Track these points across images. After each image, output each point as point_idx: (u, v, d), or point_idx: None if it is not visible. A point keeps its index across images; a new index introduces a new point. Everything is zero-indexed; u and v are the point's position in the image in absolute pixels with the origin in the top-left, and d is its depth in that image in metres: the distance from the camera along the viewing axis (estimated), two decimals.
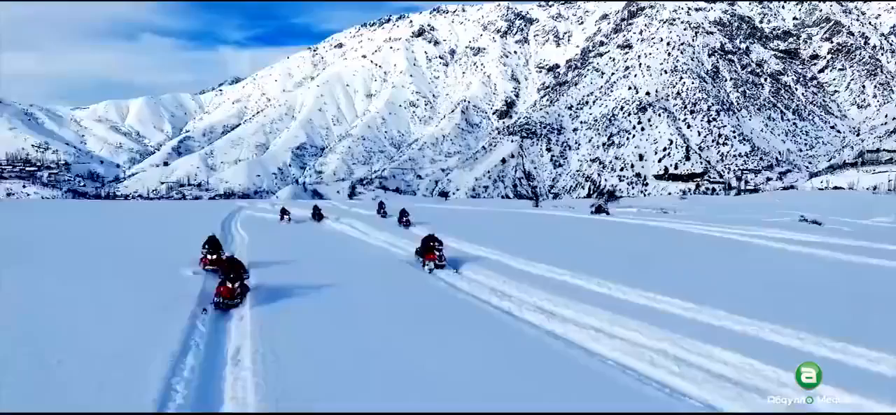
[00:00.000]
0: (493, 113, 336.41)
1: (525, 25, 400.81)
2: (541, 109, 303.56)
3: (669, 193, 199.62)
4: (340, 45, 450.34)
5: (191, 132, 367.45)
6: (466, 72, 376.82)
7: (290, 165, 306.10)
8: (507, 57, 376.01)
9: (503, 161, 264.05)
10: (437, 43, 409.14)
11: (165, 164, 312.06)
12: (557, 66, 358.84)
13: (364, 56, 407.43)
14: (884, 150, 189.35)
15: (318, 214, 32.81)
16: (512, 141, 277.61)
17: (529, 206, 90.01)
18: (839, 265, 17.45)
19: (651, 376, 7.16)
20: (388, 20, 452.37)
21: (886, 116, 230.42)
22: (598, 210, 41.99)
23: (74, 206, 68.07)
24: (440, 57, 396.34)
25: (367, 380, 6.76)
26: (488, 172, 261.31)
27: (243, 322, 9.60)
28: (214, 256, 14.53)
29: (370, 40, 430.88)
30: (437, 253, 15.18)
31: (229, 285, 10.81)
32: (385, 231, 24.98)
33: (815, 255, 19.21)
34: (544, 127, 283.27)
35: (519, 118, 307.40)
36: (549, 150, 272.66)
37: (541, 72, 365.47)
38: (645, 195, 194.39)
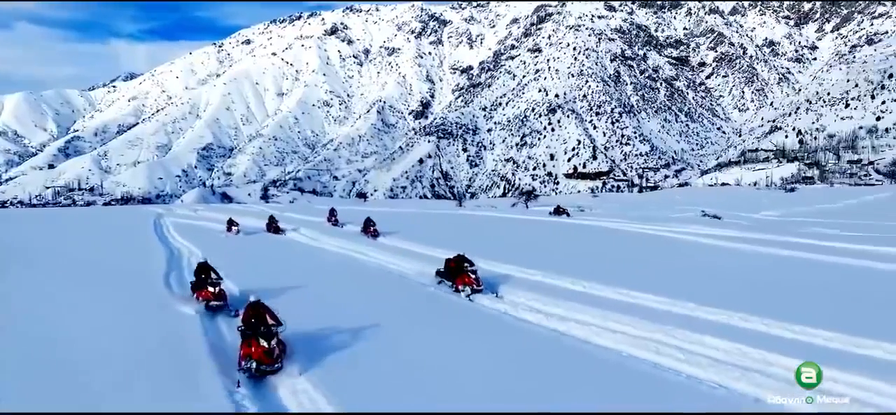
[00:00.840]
0: (409, 113, 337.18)
1: (439, 27, 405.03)
2: (456, 110, 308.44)
3: (579, 191, 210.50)
4: (248, 42, 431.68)
5: (80, 132, 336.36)
6: (381, 72, 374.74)
7: (195, 167, 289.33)
8: (421, 58, 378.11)
9: (421, 161, 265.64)
10: (350, 42, 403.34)
11: (50, 166, 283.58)
12: (471, 67, 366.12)
13: (274, 54, 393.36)
14: (761, 149, 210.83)
15: (274, 226, 29.81)
16: (429, 141, 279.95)
17: (453, 206, 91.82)
18: (759, 256, 19.82)
19: (662, 365, 8.13)
20: (299, 17, 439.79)
21: (762, 119, 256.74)
22: (558, 211, 41.15)
23: None
24: (354, 56, 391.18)
25: None
26: (406, 172, 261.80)
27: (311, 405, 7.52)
28: (217, 290, 12.73)
29: (280, 37, 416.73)
30: (474, 276, 13.77)
31: (264, 344, 8.57)
32: (358, 243, 23.66)
33: (738, 249, 21.64)
34: (460, 127, 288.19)
35: (435, 119, 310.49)
36: (465, 150, 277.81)
37: (455, 73, 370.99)
38: (556, 194, 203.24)
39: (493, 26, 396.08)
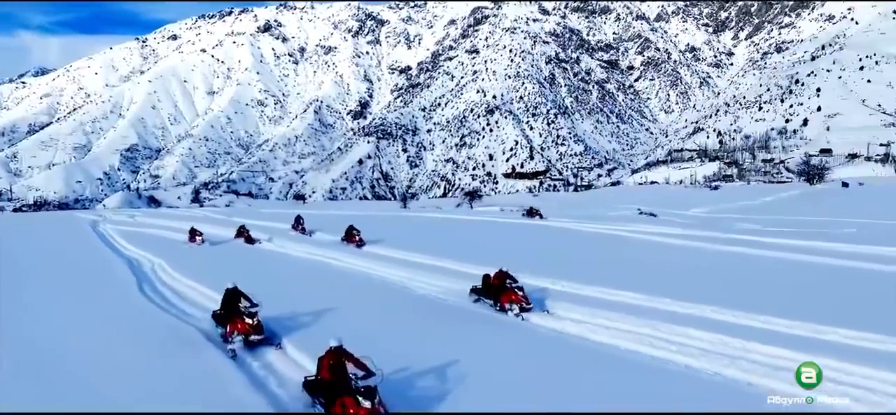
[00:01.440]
0: (348, 113, 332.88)
1: (376, 26, 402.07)
2: (395, 111, 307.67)
3: (518, 191, 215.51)
4: (175, 37, 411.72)
5: None
6: (318, 71, 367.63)
7: (119, 169, 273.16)
8: (359, 57, 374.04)
9: (360, 162, 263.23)
10: (285, 40, 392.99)
11: None
12: (409, 68, 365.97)
13: (204, 50, 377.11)
14: (686, 149, 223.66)
15: (246, 235, 26.95)
16: (368, 142, 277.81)
17: (397, 207, 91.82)
18: (709, 253, 21.45)
19: (658, 357, 8.93)
20: (230, 13, 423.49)
21: (686, 121, 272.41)
22: (531, 213, 39.88)
23: None
24: (289, 54, 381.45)
25: None
26: (345, 173, 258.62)
27: None
28: (256, 320, 10.70)
29: (210, 34, 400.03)
30: (521, 293, 12.72)
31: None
32: (349, 255, 21.89)
33: (686, 246, 23.27)
34: (399, 128, 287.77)
35: (374, 119, 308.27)
36: (404, 150, 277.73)
37: (393, 73, 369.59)
38: (496, 193, 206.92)
39: (431, 27, 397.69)
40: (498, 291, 13.11)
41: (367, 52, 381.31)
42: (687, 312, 11.15)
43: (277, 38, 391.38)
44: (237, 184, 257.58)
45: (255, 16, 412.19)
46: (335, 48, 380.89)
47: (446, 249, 20.84)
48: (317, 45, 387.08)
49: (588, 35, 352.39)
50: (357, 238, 23.38)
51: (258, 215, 44.61)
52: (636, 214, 53.55)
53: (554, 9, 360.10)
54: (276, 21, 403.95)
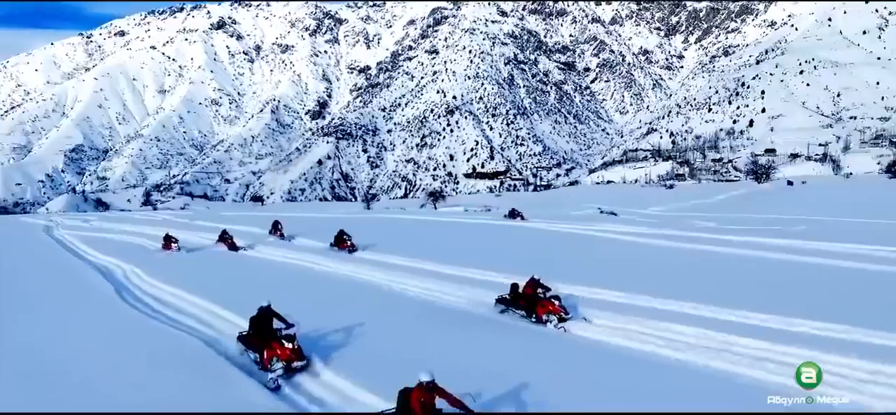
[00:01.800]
0: (306, 113, 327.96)
1: (335, 25, 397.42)
2: (355, 111, 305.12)
3: (478, 191, 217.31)
4: (122, 33, 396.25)
5: None
6: (275, 70, 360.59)
7: (63, 171, 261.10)
8: (317, 56, 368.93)
9: (320, 163, 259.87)
10: (240, 37, 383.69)
11: None
12: (369, 67, 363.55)
13: (153, 47, 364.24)
14: (640, 149, 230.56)
15: (230, 241, 25.14)
16: (327, 142, 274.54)
17: (361, 208, 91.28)
18: (676, 251, 22.37)
19: (655, 353, 9.45)
20: (181, 9, 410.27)
21: (640, 122, 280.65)
22: (513, 215, 39.05)
23: None
24: (244, 53, 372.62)
25: None
26: (304, 174, 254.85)
27: None
28: (295, 345, 9.54)
29: (160, 30, 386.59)
30: (559, 302, 12.13)
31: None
32: (345, 262, 20.48)
33: (652, 244, 24.21)
34: (359, 128, 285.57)
35: (333, 119, 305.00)
36: (365, 151, 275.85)
37: (352, 73, 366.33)
38: (457, 193, 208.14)
39: (390, 27, 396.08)
40: (531, 301, 12.42)
41: (326, 52, 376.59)
42: (662, 308, 11.73)
43: (232, 36, 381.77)
44: (191, 186, 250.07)
45: (209, 12, 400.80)
46: (292, 47, 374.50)
47: (441, 253, 20.28)
48: (273, 44, 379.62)
49: (545, 37, 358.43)
50: (348, 243, 22.22)
51: (221, 219, 43.53)
52: (598, 213, 55.12)
53: (512, 10, 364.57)
54: (230, 18, 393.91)
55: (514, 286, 13.01)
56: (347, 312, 12.73)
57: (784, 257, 18.76)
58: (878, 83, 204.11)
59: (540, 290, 12.54)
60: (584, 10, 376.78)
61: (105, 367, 9.63)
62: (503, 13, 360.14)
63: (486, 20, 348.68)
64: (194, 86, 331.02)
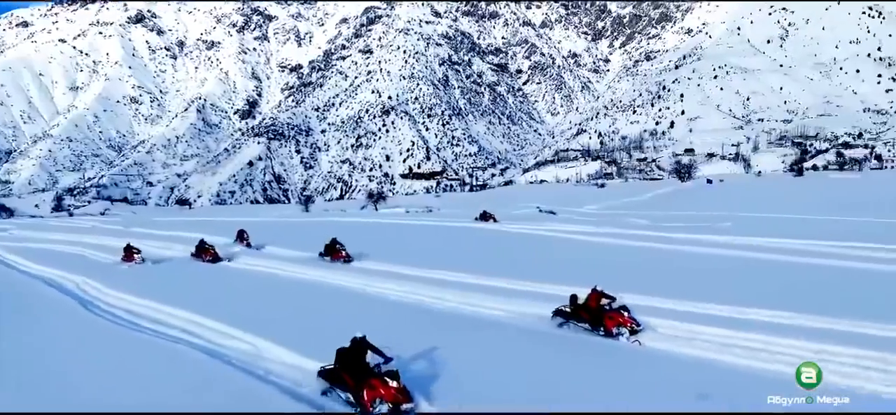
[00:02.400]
0: (235, 113, 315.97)
1: (264, 22, 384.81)
2: (287, 110, 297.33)
3: (415, 191, 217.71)
4: (26, 24, 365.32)
5: None
6: (200, 67, 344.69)
7: None
8: (246, 53, 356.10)
9: (250, 164, 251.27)
10: (161, 32, 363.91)
11: None
12: (300, 66, 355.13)
13: (63, 40, 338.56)
14: (571, 149, 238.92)
15: (212, 253, 22.75)
16: (258, 142, 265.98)
17: (299, 210, 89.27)
18: (620, 249, 23.73)
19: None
20: (94, 1, 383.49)
21: (570, 123, 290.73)
22: (484, 217, 38.01)
23: None
24: (166, 48, 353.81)
25: None
26: (234, 175, 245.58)
27: None
28: (400, 384, 8.31)
29: (70, 22, 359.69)
30: (628, 314, 11.52)
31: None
32: (344, 272, 19.38)
33: (602, 242, 25.54)
34: (292, 128, 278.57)
35: (264, 119, 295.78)
36: (298, 151, 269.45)
37: (283, 71, 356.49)
38: (394, 194, 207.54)
39: (322, 25, 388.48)
40: (597, 313, 11.67)
41: (255, 49, 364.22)
42: (638, 303, 12.65)
43: (152, 31, 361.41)
44: (109, 189, 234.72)
45: (125, 5, 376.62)
46: (219, 43, 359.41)
47: (441, 260, 19.40)
48: (198, 40, 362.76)
49: (479, 39, 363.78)
50: (343, 254, 20.63)
51: (155, 225, 41.49)
52: (537, 212, 56.89)
53: (446, 11, 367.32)
54: (149, 11, 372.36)
55: (573, 298, 12.22)
56: (402, 334, 11.24)
57: (724, 252, 20.46)
58: (781, 88, 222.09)
59: (604, 300, 11.88)
60: (515, 13, 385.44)
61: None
62: (437, 14, 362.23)
63: (421, 21, 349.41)
64: (111, 83, 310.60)
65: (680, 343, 10.66)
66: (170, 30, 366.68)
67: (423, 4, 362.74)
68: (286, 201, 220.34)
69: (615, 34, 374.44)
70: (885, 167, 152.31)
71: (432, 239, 29.53)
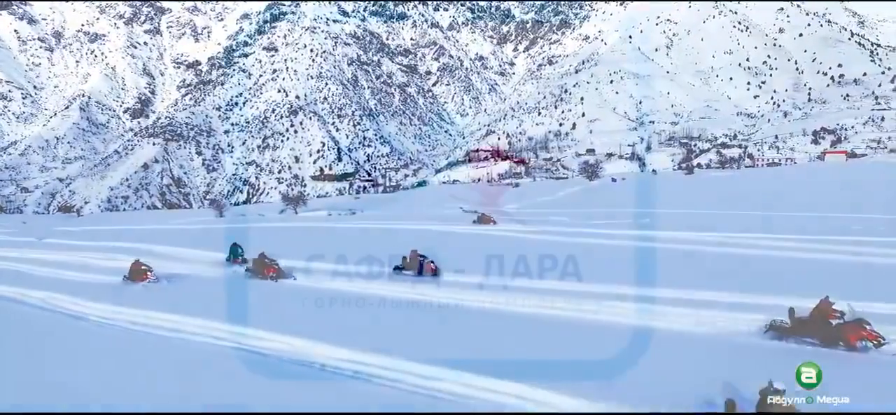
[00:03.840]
0: (125, 111, 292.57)
1: (156, 14, 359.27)
2: (185, 109, 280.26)
3: (328, 193, 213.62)
4: None
5: None
6: (82, 61, 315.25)
7: None
8: (136, 48, 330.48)
9: (145, 167, 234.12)
10: (33, 21, 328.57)
11: None
12: (199, 63, 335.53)
13: None
14: (481, 149, 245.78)
15: (276, 269, 18.01)
16: (153, 144, 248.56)
17: (213, 216, 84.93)
18: (585, 246, 25.68)
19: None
20: None
21: (480, 124, 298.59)
22: (483, 220, 36.38)
23: None
24: (41, 40, 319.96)
25: None
26: (127, 179, 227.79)
27: None
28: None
29: None
30: (870, 327, 10.30)
31: None
32: (451, 290, 15.98)
33: (559, 241, 27.32)
34: (191, 128, 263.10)
35: (159, 118, 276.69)
36: (199, 153, 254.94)
37: (180, 68, 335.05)
38: (306, 197, 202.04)
39: (222, 20, 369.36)
40: (830, 326, 10.46)
41: (146, 43, 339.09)
42: (615, 291, 14.42)
43: (22, 19, 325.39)
44: None
45: None
46: (104, 36, 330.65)
47: (518, 269, 17.94)
48: (78, 31, 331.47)
49: (387, 39, 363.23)
50: (433, 266, 17.75)
51: (70, 235, 38.16)
52: (463, 212, 58.77)
53: (353, 11, 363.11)
54: None
55: (791, 310, 10.94)
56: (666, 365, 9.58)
57: (661, 246, 23.00)
58: (668, 93, 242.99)
59: (836, 311, 10.53)
60: (423, 15, 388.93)
61: None
62: (345, 13, 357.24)
63: (328, 19, 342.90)
64: None
65: None
66: (44, 19, 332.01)
67: (330, 3, 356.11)
68: (188, 206, 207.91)
69: (519, 39, 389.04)
70: (756, 165, 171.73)
71: (471, 245, 25.63)
